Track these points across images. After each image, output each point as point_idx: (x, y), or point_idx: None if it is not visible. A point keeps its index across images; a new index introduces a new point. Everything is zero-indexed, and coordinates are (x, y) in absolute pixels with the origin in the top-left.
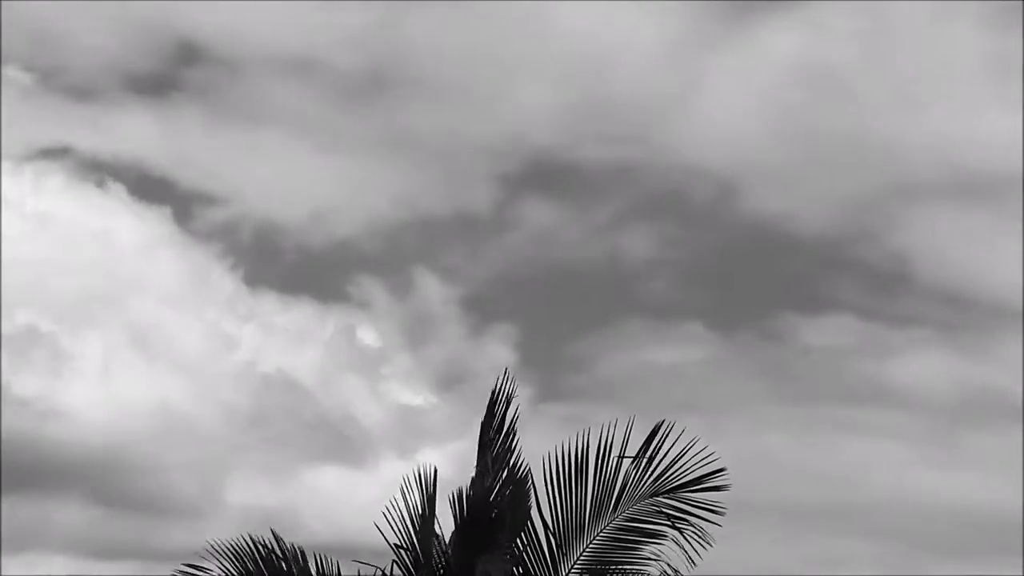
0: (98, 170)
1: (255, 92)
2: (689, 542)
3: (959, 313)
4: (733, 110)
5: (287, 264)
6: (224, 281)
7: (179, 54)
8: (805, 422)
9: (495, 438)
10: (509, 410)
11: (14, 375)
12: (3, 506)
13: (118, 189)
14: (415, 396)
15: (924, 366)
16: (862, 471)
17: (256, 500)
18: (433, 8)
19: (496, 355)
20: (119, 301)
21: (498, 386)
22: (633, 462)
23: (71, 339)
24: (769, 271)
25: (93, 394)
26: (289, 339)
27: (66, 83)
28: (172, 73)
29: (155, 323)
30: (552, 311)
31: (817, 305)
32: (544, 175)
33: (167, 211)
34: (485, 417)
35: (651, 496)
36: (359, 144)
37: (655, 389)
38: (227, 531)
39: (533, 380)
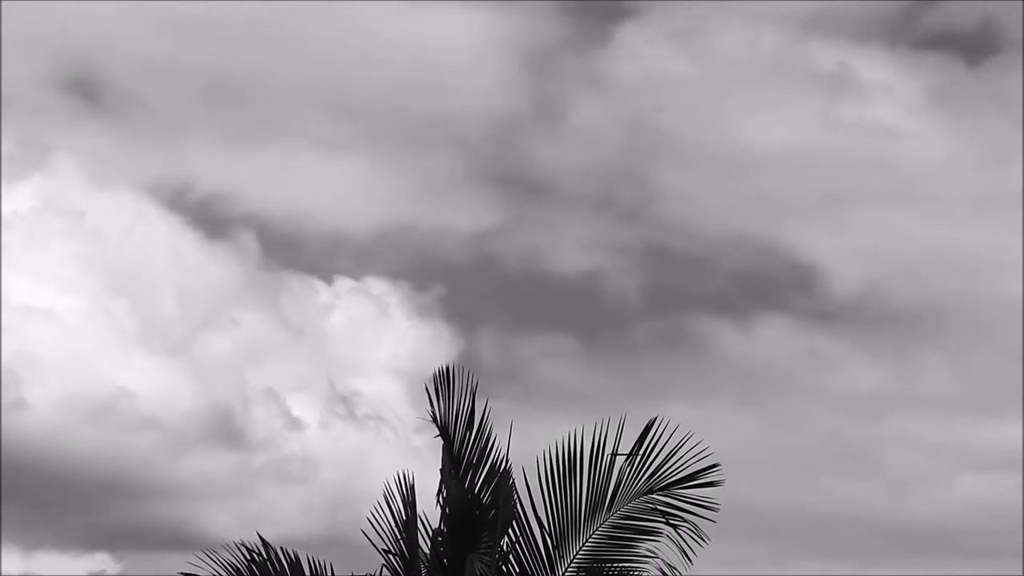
0: None
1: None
2: (683, 539)
3: (865, 318)
4: (594, 126)
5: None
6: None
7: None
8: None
9: (466, 434)
10: (477, 406)
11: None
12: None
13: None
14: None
15: (843, 370)
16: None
17: (266, 497)
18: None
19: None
20: None
21: (437, 382)
22: (627, 459)
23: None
24: (678, 281)
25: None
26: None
27: None
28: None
29: None
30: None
31: (730, 313)
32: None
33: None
34: (432, 414)
35: (646, 493)
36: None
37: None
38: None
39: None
